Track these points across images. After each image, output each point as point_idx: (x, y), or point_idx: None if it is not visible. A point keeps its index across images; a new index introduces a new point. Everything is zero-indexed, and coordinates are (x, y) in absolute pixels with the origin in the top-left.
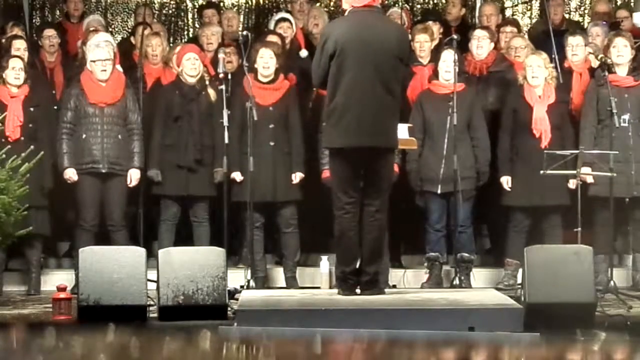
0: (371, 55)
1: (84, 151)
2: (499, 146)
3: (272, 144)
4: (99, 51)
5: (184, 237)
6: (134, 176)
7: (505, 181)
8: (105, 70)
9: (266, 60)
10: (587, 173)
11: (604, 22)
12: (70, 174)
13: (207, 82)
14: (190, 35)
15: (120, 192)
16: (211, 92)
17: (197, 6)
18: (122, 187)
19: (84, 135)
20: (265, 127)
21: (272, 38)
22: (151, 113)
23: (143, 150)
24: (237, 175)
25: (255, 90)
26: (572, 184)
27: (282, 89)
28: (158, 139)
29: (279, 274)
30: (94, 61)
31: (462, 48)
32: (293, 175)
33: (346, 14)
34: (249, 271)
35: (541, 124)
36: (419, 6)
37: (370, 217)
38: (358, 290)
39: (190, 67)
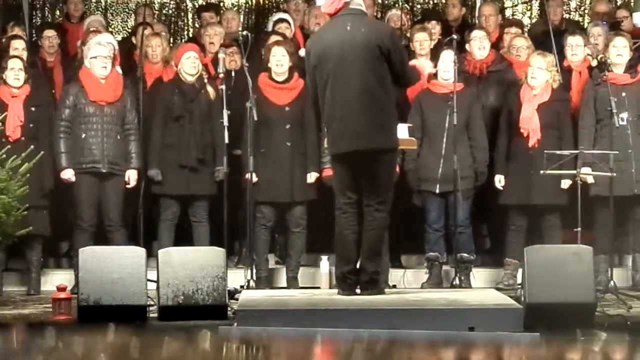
0: (348, 62)
1: (83, 150)
2: (496, 145)
3: (288, 144)
4: (100, 48)
5: (184, 237)
6: (132, 177)
7: (498, 180)
8: (105, 67)
9: (279, 59)
10: (587, 173)
11: (604, 22)
12: (69, 175)
13: (205, 80)
14: (190, 35)
15: (118, 192)
16: (210, 90)
17: (197, 6)
18: (120, 187)
19: (83, 135)
20: (281, 127)
21: (271, 38)
22: (151, 112)
23: (141, 151)
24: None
25: (270, 90)
26: (564, 184)
27: (297, 88)
28: (158, 138)
29: (279, 274)
30: (94, 57)
31: (462, 48)
32: (308, 175)
33: (327, 22)
34: (250, 271)
35: (528, 124)
36: (419, 6)
37: (369, 215)
38: (358, 290)
39: (190, 65)
